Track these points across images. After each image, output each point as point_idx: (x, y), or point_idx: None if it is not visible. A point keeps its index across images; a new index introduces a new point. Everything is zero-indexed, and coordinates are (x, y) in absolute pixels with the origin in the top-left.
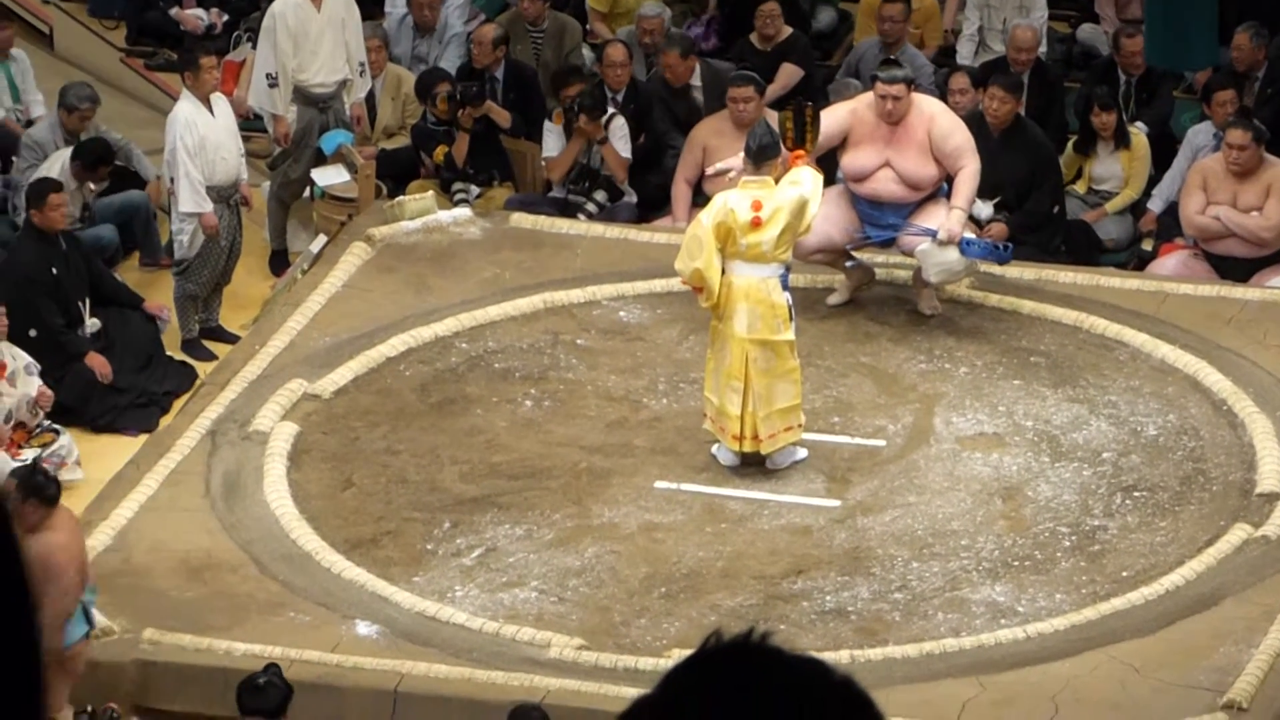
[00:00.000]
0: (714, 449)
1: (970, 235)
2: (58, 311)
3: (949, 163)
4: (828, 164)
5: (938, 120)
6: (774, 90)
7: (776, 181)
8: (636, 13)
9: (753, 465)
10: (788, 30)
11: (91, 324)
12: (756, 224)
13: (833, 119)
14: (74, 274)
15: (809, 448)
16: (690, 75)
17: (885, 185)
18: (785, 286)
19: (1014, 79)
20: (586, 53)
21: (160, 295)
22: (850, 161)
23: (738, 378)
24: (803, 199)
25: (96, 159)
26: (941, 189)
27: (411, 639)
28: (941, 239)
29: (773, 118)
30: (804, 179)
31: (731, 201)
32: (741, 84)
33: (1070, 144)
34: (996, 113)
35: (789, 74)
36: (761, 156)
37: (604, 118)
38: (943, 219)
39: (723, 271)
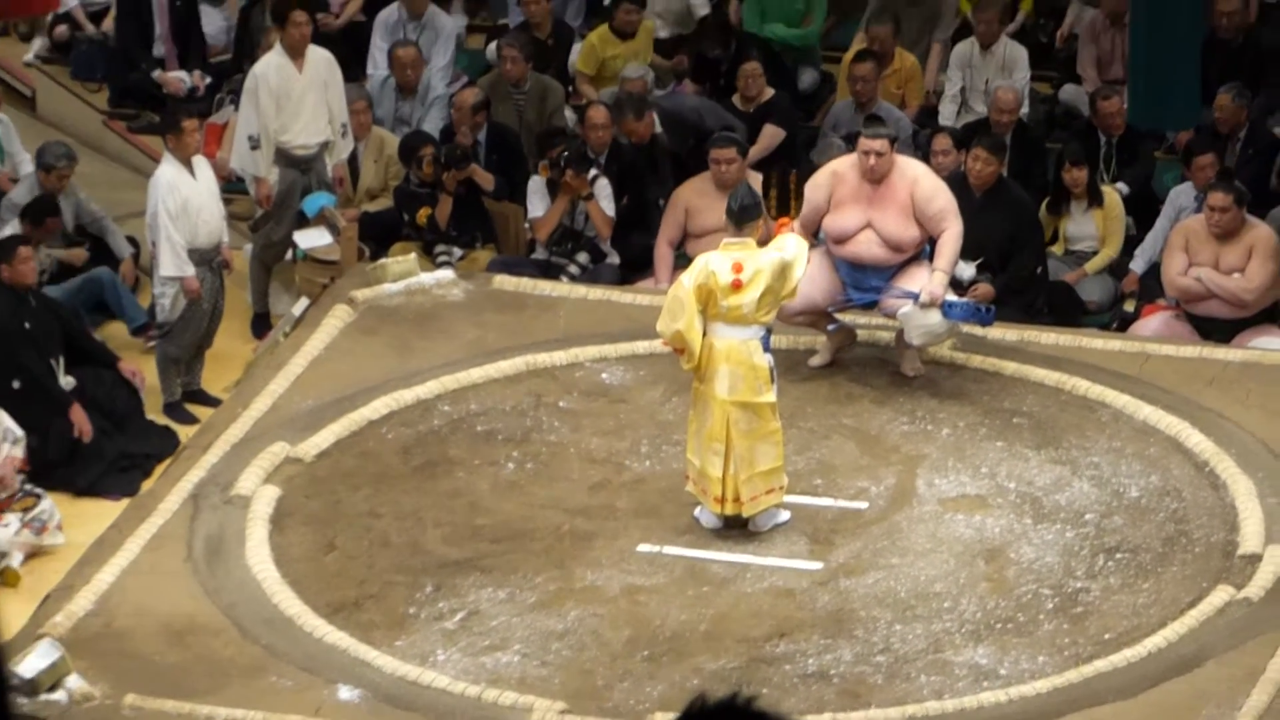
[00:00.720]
0: (697, 511)
1: (953, 297)
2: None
3: (931, 225)
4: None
5: (921, 183)
6: (756, 151)
7: (760, 244)
8: (620, 74)
9: (735, 528)
10: (770, 91)
11: (66, 381)
12: (737, 286)
13: (815, 186)
14: (46, 330)
15: (791, 510)
16: (651, 128)
17: (867, 247)
18: (767, 348)
19: (997, 140)
20: (569, 114)
21: (135, 358)
22: (832, 222)
23: (719, 440)
24: (784, 262)
25: (41, 212)
26: (924, 251)
27: (394, 703)
28: (924, 301)
29: (755, 180)
30: (788, 244)
31: (713, 263)
32: (723, 145)
33: (1044, 204)
34: (980, 174)
35: (771, 135)
36: (743, 218)
37: (589, 174)
38: (925, 281)
39: (704, 333)
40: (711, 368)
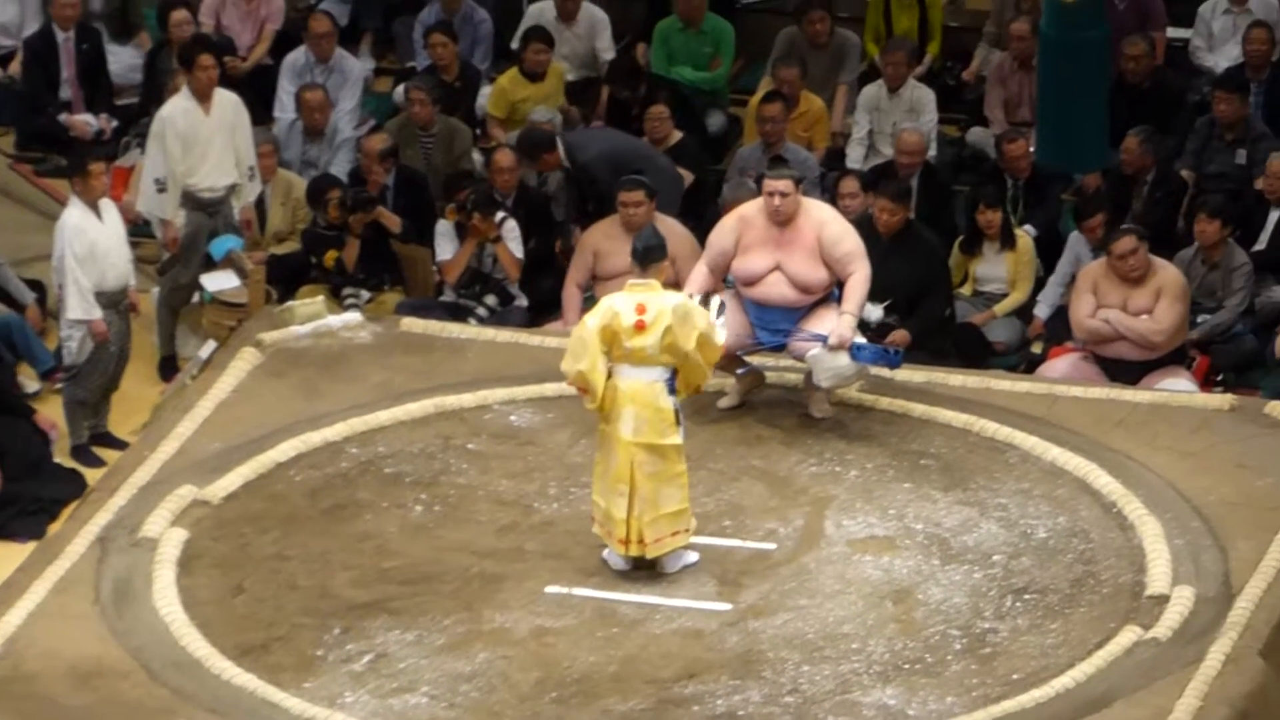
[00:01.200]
0: (605, 553)
1: (861, 340)
2: None
3: (839, 268)
4: None
5: (828, 226)
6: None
7: (666, 287)
8: (528, 119)
9: (643, 569)
10: (677, 134)
11: None
12: (640, 327)
13: (722, 231)
14: None
15: (700, 551)
16: (558, 159)
17: (776, 289)
18: (672, 390)
19: (900, 187)
20: (477, 157)
21: (52, 410)
22: (741, 265)
23: (623, 481)
24: (687, 307)
25: None
26: (833, 294)
27: None
28: (832, 344)
29: (669, 226)
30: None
31: (616, 304)
32: (631, 188)
33: (957, 244)
34: (886, 223)
35: (687, 180)
36: (647, 258)
37: (497, 217)
38: (833, 324)
39: (609, 375)
40: (616, 409)
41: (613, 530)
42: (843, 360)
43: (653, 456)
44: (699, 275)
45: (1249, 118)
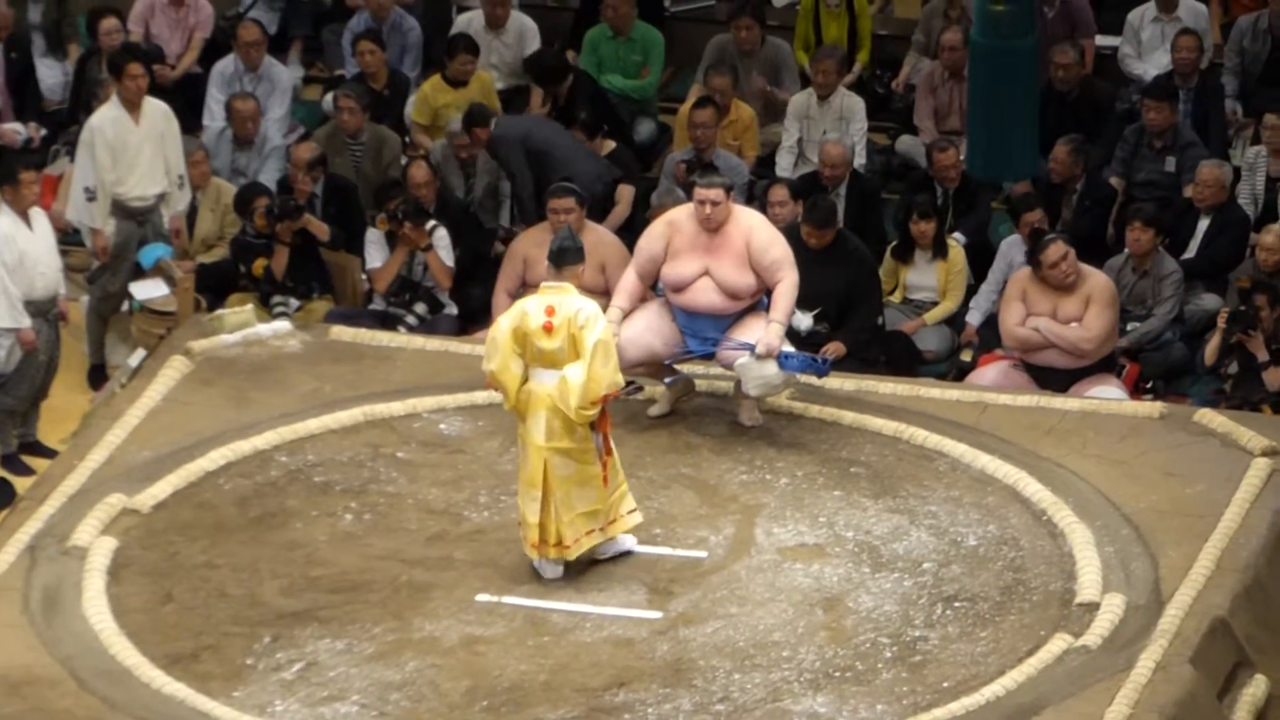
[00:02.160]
0: (535, 563)
1: (789, 349)
2: None
3: (767, 275)
4: None
5: (756, 233)
6: (621, 212)
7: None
8: (445, 129)
9: (574, 576)
10: (610, 144)
11: None
12: (549, 329)
13: (652, 236)
14: None
15: (630, 560)
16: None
17: (704, 295)
18: None
19: (823, 213)
20: (407, 160)
21: None
22: (670, 271)
23: (535, 485)
24: (590, 313)
25: None
26: (761, 301)
27: None
28: (759, 353)
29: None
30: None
31: (527, 306)
32: (561, 195)
33: (888, 250)
34: (814, 247)
35: (627, 195)
36: (561, 260)
37: (427, 226)
38: (761, 333)
39: (526, 378)
40: (530, 412)
41: (526, 534)
42: (770, 369)
43: (566, 460)
44: (628, 281)
45: (1178, 126)
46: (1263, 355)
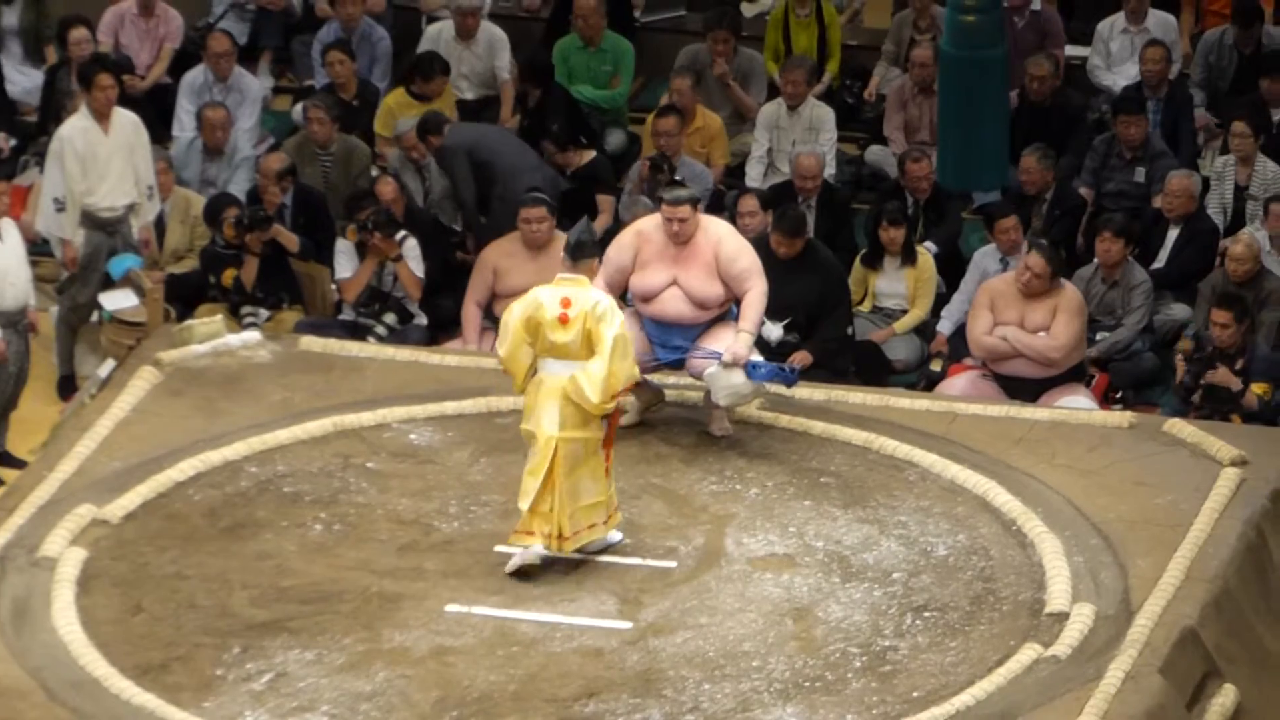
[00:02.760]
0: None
1: (757, 358)
2: None
3: (736, 285)
4: None
5: (725, 243)
6: (602, 223)
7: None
8: (394, 131)
9: (545, 587)
10: (589, 154)
11: None
12: (564, 321)
13: (620, 247)
14: None
15: (600, 570)
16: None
17: (673, 305)
18: None
19: (793, 222)
20: (376, 174)
21: None
22: (638, 281)
23: (537, 475)
24: (608, 308)
25: None
26: (731, 311)
27: None
28: (726, 361)
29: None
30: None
31: (542, 296)
32: (533, 205)
33: (858, 258)
34: (784, 255)
35: (608, 205)
36: (578, 253)
37: (398, 236)
38: (730, 342)
39: (536, 368)
40: (540, 403)
41: (518, 524)
42: (739, 378)
43: (573, 450)
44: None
45: (1149, 136)
46: (1235, 385)
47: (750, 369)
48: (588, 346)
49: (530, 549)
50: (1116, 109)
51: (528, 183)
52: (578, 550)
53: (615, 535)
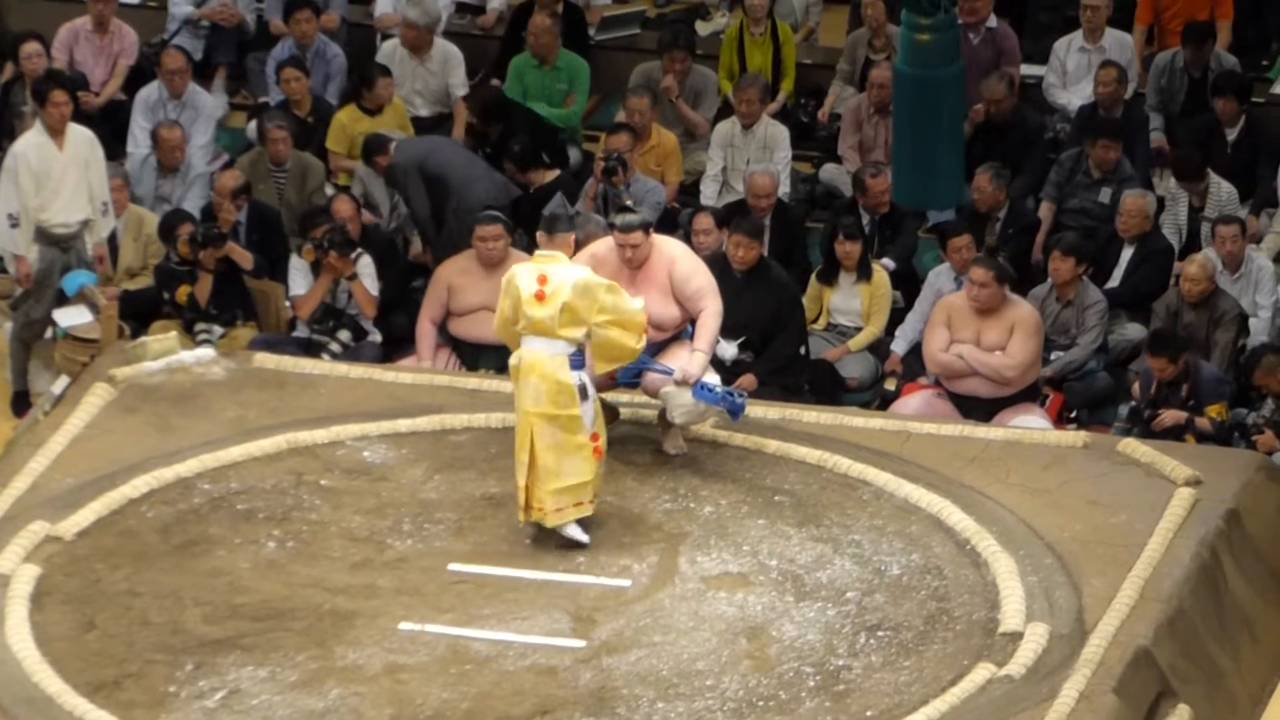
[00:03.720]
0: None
1: (708, 380)
2: None
3: (690, 305)
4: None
5: (679, 263)
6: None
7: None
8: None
9: (498, 604)
10: (553, 174)
11: None
12: (540, 297)
13: None
14: None
15: (553, 588)
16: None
17: None
18: (576, 367)
19: (755, 224)
20: (330, 191)
21: None
22: None
23: (524, 450)
24: (589, 280)
25: None
26: (686, 330)
27: None
28: (676, 379)
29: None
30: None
31: (518, 273)
32: (488, 223)
33: (814, 274)
34: (741, 259)
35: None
36: (553, 227)
37: (353, 254)
38: (684, 361)
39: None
40: (520, 378)
41: (518, 498)
42: (689, 397)
43: (552, 427)
44: None
45: (1120, 159)
46: (1182, 419)
47: (697, 390)
48: (569, 324)
49: (527, 526)
50: (1095, 131)
51: (480, 193)
52: (556, 528)
53: (582, 535)
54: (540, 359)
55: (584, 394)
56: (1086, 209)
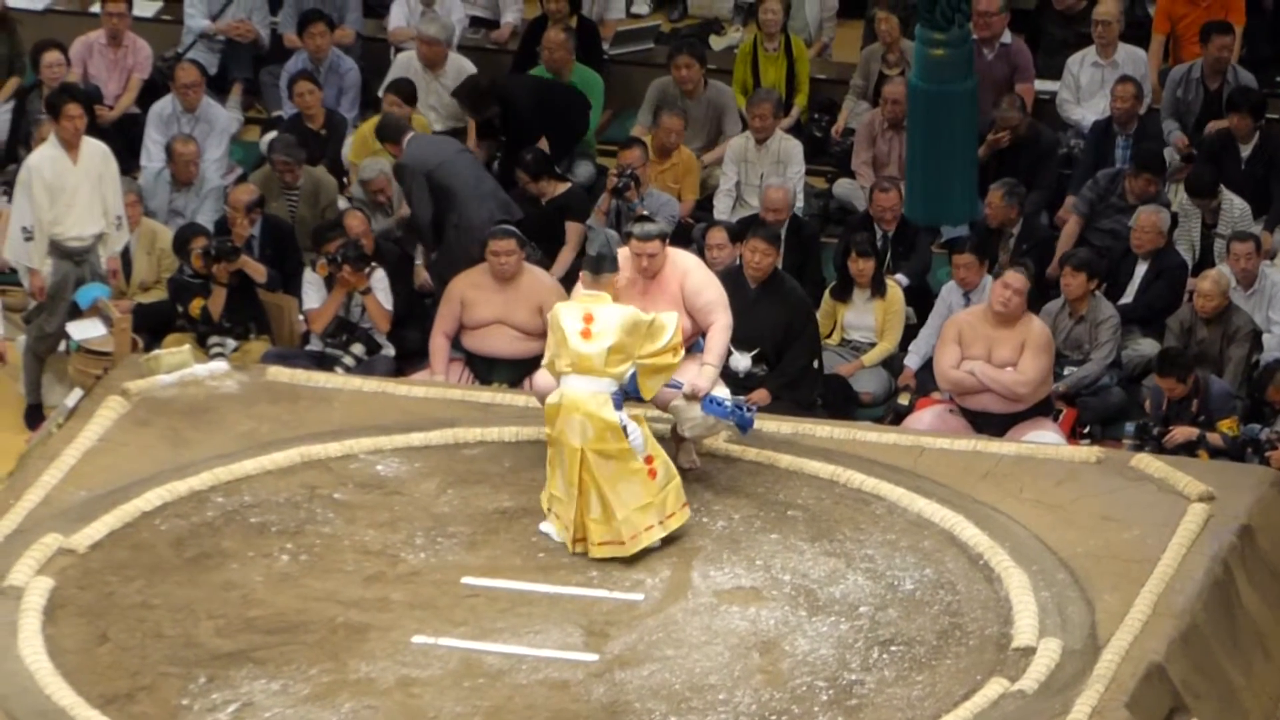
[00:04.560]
0: (542, 525)
1: (718, 394)
2: None
3: (700, 317)
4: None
5: (691, 275)
6: (570, 252)
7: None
8: (358, 178)
9: (511, 618)
10: (564, 185)
11: None
12: (586, 335)
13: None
14: None
15: (566, 601)
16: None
17: None
18: (619, 406)
19: (773, 231)
20: (343, 204)
21: None
22: None
23: (573, 484)
24: (636, 318)
25: None
26: (697, 344)
27: None
28: (685, 393)
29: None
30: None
31: (563, 312)
32: (501, 237)
33: (827, 290)
34: (758, 265)
35: (577, 233)
36: (599, 268)
37: (367, 269)
38: (694, 375)
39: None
40: (563, 416)
41: (568, 526)
42: (698, 411)
43: (604, 460)
44: None
45: (1161, 191)
46: (1194, 436)
47: (705, 403)
48: (614, 361)
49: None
50: (1140, 163)
51: (484, 213)
52: (640, 551)
53: (555, 535)
54: (582, 398)
55: (627, 432)
56: (1116, 231)
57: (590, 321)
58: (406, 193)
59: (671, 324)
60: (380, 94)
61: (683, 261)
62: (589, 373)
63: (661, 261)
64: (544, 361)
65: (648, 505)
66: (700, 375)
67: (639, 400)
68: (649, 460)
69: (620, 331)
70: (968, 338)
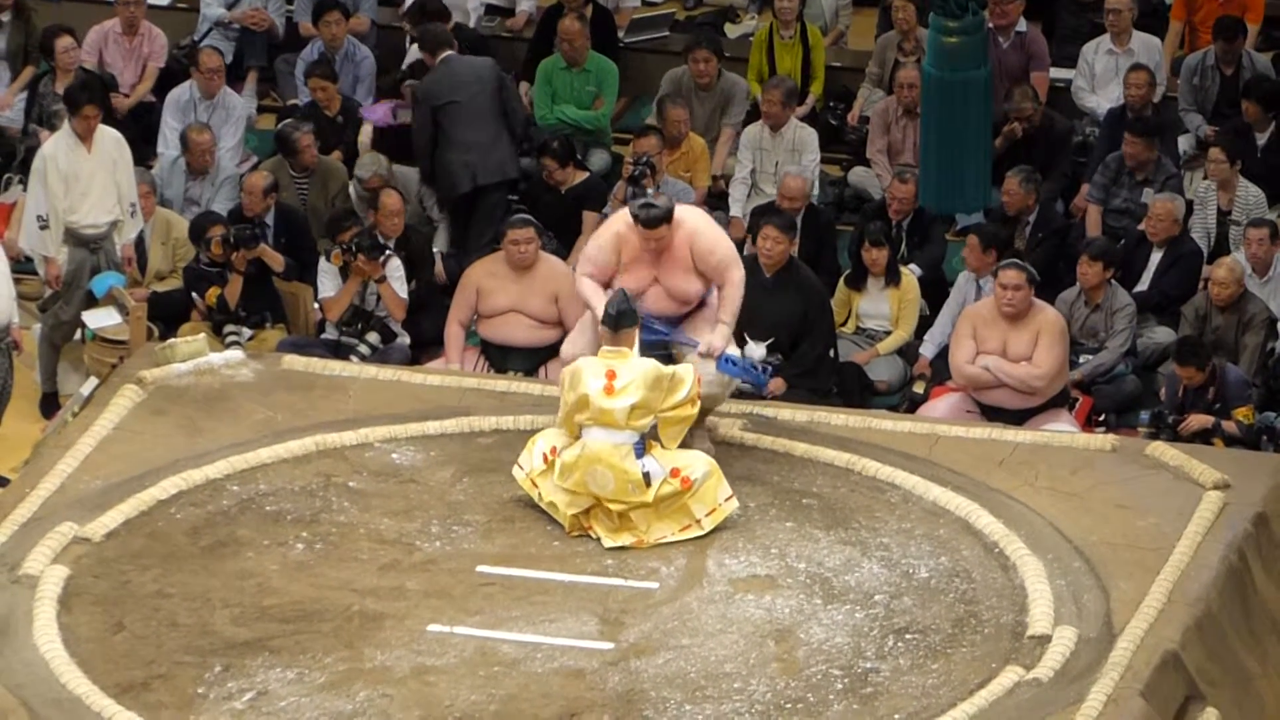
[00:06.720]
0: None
1: (732, 352)
2: None
3: (714, 276)
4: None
5: (700, 236)
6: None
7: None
8: (355, 175)
9: (526, 606)
10: (582, 174)
11: None
12: (609, 391)
13: (601, 248)
14: None
15: (581, 590)
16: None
17: (656, 302)
18: (640, 455)
19: (787, 219)
20: (353, 191)
21: None
22: (621, 283)
23: (584, 495)
24: (658, 372)
25: None
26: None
27: None
28: (701, 352)
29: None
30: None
31: (584, 369)
32: (520, 226)
33: (842, 278)
34: (770, 252)
35: (594, 223)
36: (620, 323)
37: (381, 257)
38: (708, 334)
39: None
40: (584, 467)
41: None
42: (713, 369)
43: (628, 508)
44: (594, 292)
45: (1160, 159)
46: (1209, 424)
47: (721, 362)
48: (636, 415)
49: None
50: (1127, 129)
51: (469, 159)
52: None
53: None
54: (604, 449)
55: (649, 481)
56: (1130, 209)
57: (613, 378)
58: (414, 118)
59: (690, 376)
60: (397, 81)
61: (690, 221)
62: (611, 426)
63: (670, 238)
64: (557, 420)
65: (688, 522)
66: (715, 334)
67: (653, 348)
68: (675, 473)
69: (643, 388)
70: (983, 331)
